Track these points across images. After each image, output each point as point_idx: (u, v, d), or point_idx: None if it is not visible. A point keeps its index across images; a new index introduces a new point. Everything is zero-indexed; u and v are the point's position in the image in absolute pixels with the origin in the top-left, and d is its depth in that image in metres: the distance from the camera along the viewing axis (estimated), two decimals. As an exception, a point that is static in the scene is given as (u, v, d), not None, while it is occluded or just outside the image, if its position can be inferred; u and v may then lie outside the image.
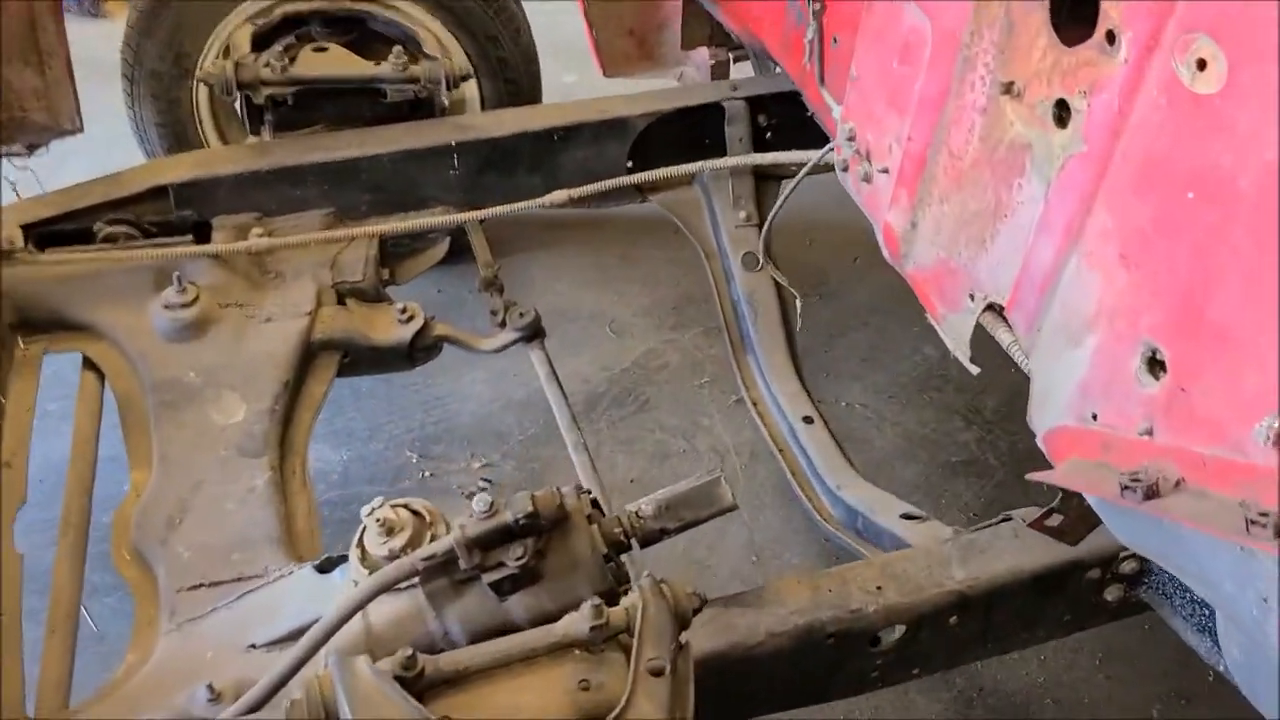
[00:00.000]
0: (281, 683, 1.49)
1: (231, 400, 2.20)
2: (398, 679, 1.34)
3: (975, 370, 1.50)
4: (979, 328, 1.44)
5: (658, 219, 2.82)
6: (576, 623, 1.42)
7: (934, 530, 2.07)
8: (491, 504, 1.51)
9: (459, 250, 2.75)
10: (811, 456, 2.39)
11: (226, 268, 2.33)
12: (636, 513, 1.63)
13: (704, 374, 2.94)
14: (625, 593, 1.60)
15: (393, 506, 1.66)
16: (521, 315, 2.47)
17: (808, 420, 2.46)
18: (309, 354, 2.31)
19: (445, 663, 1.38)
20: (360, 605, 1.52)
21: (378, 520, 1.62)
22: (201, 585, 1.91)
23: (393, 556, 1.60)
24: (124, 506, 2.05)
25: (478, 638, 1.55)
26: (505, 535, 1.51)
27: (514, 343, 2.47)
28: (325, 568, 1.84)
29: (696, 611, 1.49)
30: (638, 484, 2.68)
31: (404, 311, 2.39)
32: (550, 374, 2.44)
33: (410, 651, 1.36)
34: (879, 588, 1.67)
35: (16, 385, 2.17)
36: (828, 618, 1.63)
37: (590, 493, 1.63)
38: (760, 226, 2.66)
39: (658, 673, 1.37)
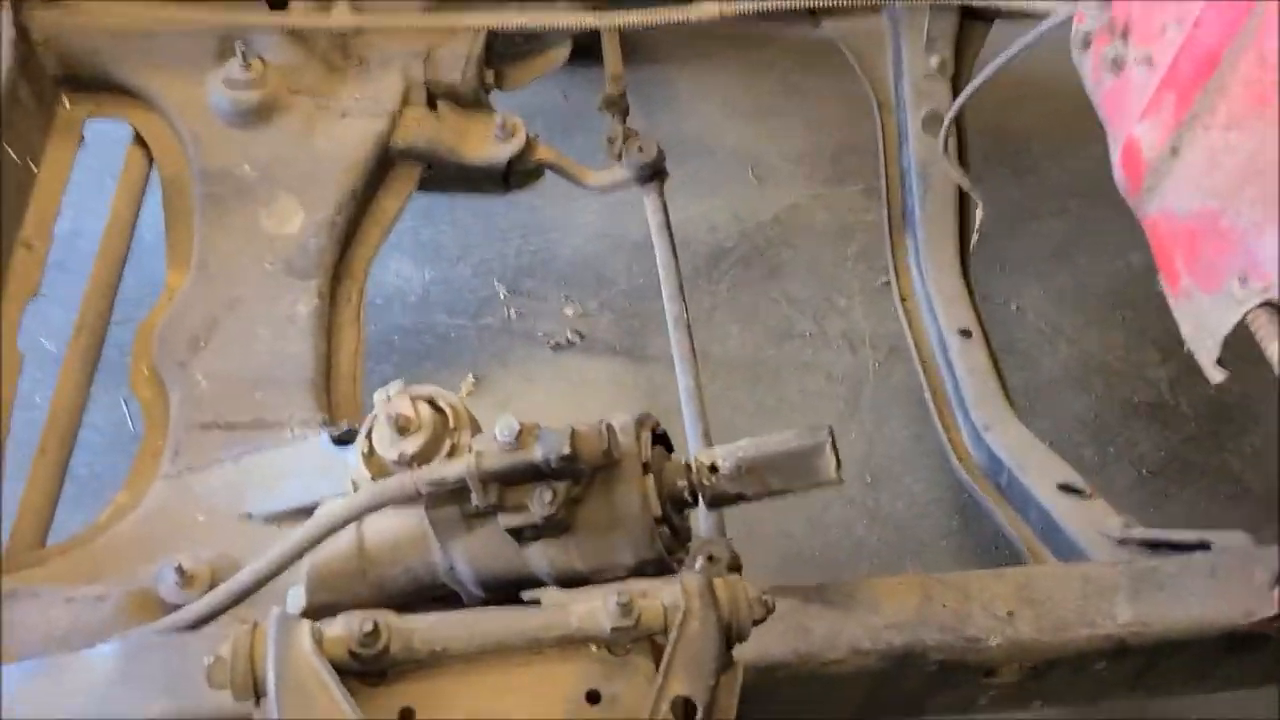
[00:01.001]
0: (237, 599, 1.22)
1: (288, 205, 1.89)
2: (353, 655, 1.04)
3: (1219, 378, 1.04)
4: (1241, 326, 0.97)
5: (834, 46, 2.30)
6: (596, 616, 1.08)
7: (1095, 516, 1.65)
8: (519, 431, 1.16)
9: (591, 50, 2.30)
10: (960, 380, 1.95)
11: (303, 46, 1.97)
12: (711, 465, 1.25)
13: (853, 243, 2.47)
14: (681, 561, 1.26)
15: (413, 399, 1.32)
16: (640, 150, 2.05)
17: (965, 333, 2.01)
18: (386, 161, 1.96)
19: (420, 640, 1.07)
20: (347, 522, 1.22)
21: (390, 416, 1.29)
22: (215, 425, 1.65)
23: (402, 463, 1.28)
24: (153, 313, 1.79)
25: (488, 581, 1.24)
26: (532, 474, 1.17)
27: (626, 183, 2.06)
28: (345, 439, 1.55)
29: (759, 622, 1.13)
30: (749, 365, 2.29)
31: (504, 126, 2.00)
32: (663, 225, 2.03)
33: (373, 623, 1.04)
34: (1010, 613, 1.27)
35: (53, 151, 1.89)
36: (934, 641, 1.26)
37: (657, 427, 1.27)
38: (955, 81, 2.12)
39: (686, 714, 1.03)
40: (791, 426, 1.27)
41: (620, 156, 2.08)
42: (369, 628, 1.04)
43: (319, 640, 1.04)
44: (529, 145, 2.02)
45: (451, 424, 1.30)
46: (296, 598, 1.30)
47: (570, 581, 1.23)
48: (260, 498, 1.54)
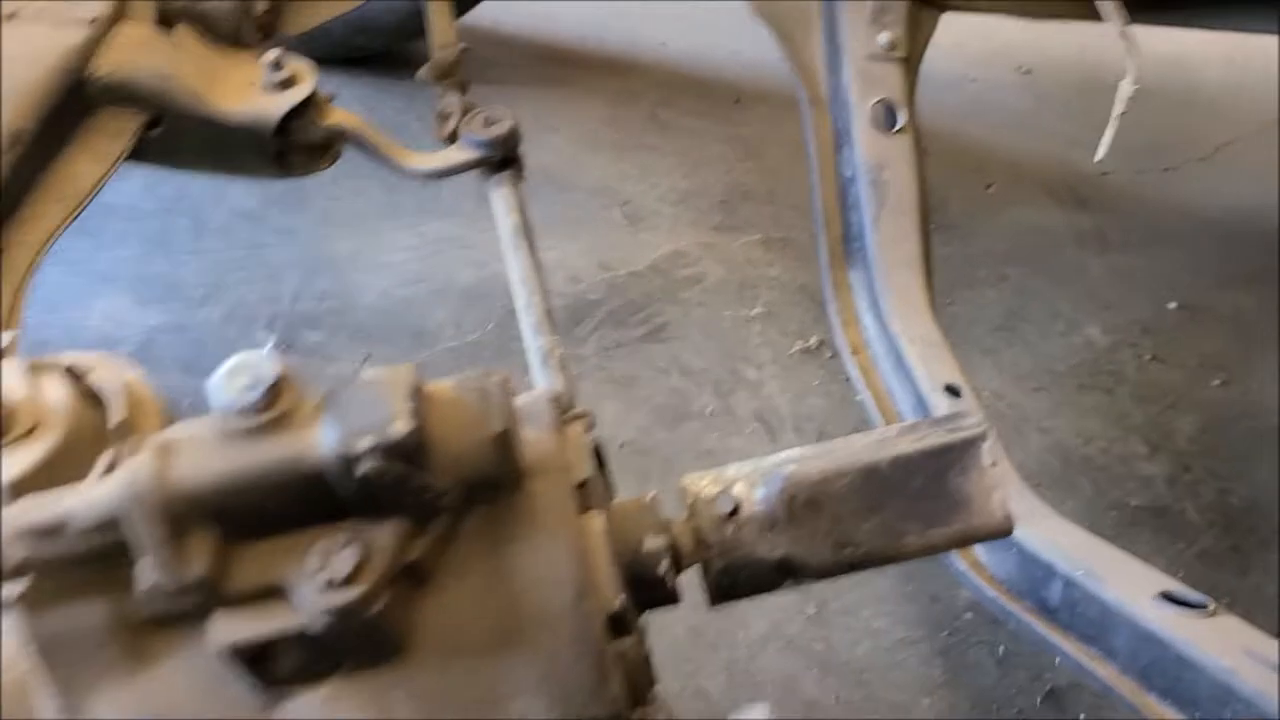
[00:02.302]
0: None
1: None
2: None
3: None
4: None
5: (707, 76, 1.76)
6: None
7: (1236, 637, 1.04)
8: (279, 378, 0.45)
9: (408, 57, 1.68)
10: (958, 455, 1.33)
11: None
12: (728, 509, 0.57)
13: (756, 302, 1.87)
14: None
15: (35, 368, 0.57)
16: (488, 124, 1.41)
17: (952, 391, 1.41)
18: (83, 100, 1.23)
19: None
20: None
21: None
22: None
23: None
24: None
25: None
26: (309, 500, 0.45)
27: (467, 167, 1.41)
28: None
29: None
30: (633, 452, 1.61)
31: (279, 67, 1.30)
32: (520, 229, 1.38)
33: None
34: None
35: None
36: None
37: (589, 418, 0.59)
38: (909, 65, 1.61)
39: None
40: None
41: (454, 138, 1.43)
42: None
43: None
44: (317, 103, 1.34)
45: (118, 419, 0.56)
46: None
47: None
48: None
